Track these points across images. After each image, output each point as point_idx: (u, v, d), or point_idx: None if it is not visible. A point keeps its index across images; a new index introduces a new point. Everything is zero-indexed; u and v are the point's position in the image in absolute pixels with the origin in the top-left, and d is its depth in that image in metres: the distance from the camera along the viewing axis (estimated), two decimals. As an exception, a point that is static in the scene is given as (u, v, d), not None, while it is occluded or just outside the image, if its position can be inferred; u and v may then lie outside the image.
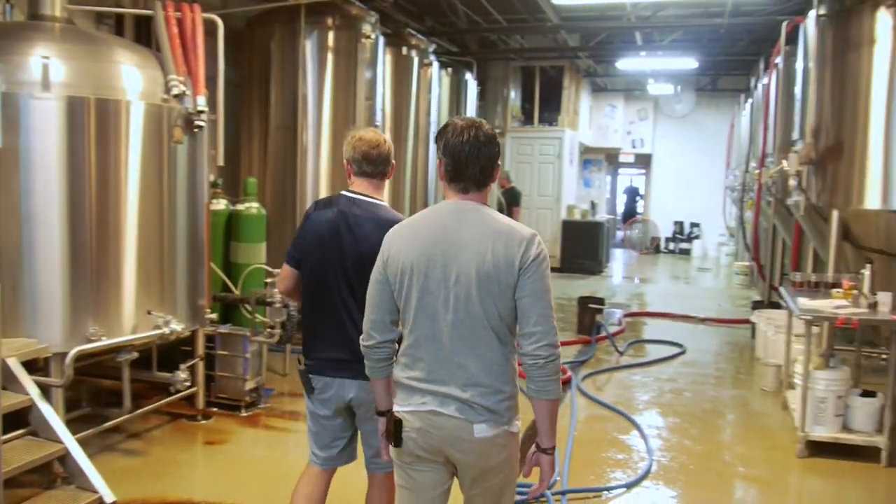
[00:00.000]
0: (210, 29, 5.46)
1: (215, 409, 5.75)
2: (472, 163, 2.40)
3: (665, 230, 19.11)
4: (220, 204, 6.40)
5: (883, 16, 6.07)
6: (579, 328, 8.80)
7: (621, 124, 18.59)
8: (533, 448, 2.47)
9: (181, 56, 5.15)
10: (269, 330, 5.77)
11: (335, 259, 3.05)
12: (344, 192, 3.14)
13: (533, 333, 2.32)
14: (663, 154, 18.88)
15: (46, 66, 4.44)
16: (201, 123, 5.20)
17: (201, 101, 5.18)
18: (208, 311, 5.53)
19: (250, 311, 5.94)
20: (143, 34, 6.33)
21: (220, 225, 6.36)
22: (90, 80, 4.65)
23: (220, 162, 5.73)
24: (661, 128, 18.86)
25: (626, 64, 14.53)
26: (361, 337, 2.57)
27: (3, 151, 4.37)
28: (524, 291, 2.33)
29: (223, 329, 5.81)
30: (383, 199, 3.16)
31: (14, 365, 4.16)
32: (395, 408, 2.48)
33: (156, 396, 5.45)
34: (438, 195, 10.70)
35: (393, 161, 3.16)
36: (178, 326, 5.01)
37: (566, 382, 6.64)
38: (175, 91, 5.00)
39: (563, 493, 4.44)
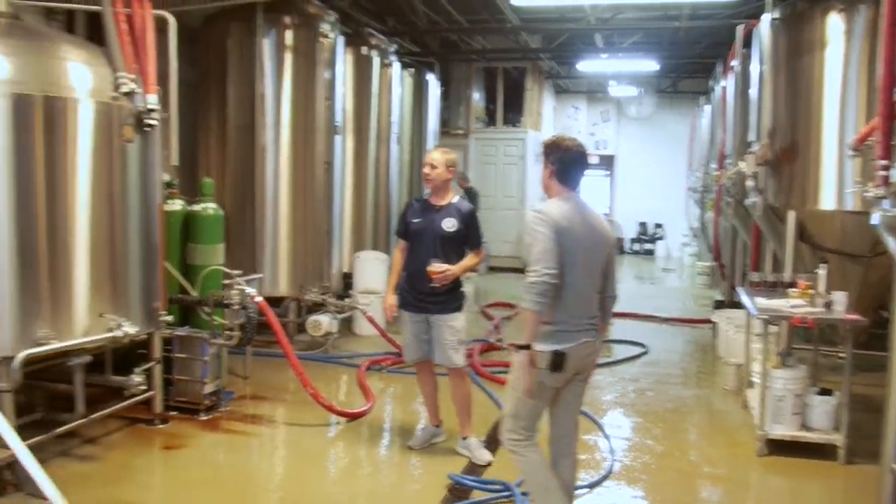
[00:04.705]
0: (162, 26, 5.34)
1: (174, 414, 5.63)
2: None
3: (629, 231, 19.27)
4: (176, 204, 6.26)
5: (834, 19, 6.17)
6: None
7: (584, 126, 18.71)
8: None
9: (131, 53, 5.03)
10: (227, 332, 5.69)
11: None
12: None
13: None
14: (626, 155, 19.04)
15: (-11, 63, 4.31)
16: (152, 122, 5.08)
17: (152, 99, 5.06)
18: (163, 313, 5.42)
19: (208, 314, 5.83)
20: (96, 32, 6.17)
21: (177, 226, 6.22)
22: (37, 78, 4.52)
23: (174, 162, 5.61)
24: (624, 129, 19.03)
25: (588, 66, 14.62)
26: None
27: (-56, 150, 4.24)
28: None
29: (181, 332, 5.70)
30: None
31: (-41, 370, 4.03)
32: (557, 346, 3.44)
33: (113, 401, 5.30)
34: (403, 194, 10.64)
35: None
36: (131, 329, 4.91)
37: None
38: (124, 88, 4.89)
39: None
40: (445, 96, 13.85)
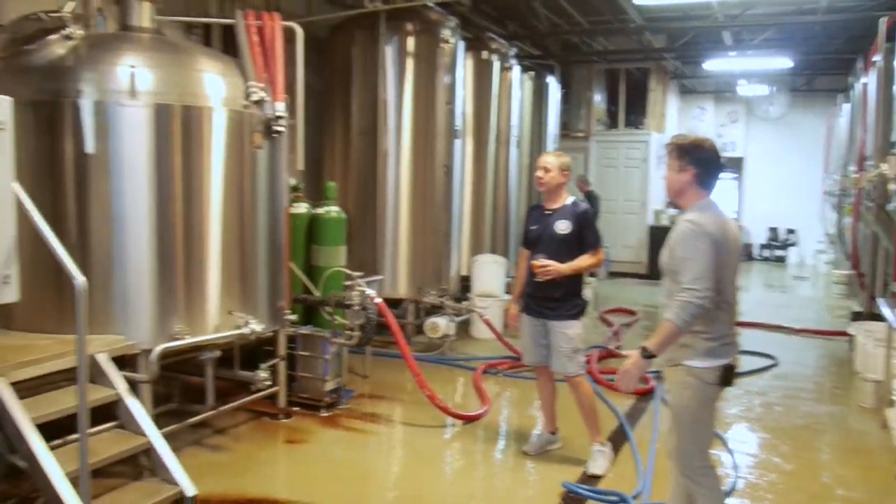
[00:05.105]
0: (290, 36, 5.56)
1: (296, 409, 5.84)
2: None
3: (758, 236, 18.43)
4: (301, 207, 6.50)
5: None
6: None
7: (711, 127, 18.03)
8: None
9: (261, 63, 5.27)
10: (348, 332, 5.84)
11: None
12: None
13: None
14: (756, 157, 18.23)
15: (133, 75, 4.62)
16: (280, 128, 5.29)
17: (280, 107, 5.27)
18: (288, 312, 5.63)
19: (330, 313, 6.01)
20: (231, 43, 6.51)
21: (302, 228, 6.45)
22: (176, 88, 4.80)
23: (300, 166, 5.83)
24: (754, 130, 18.22)
25: (715, 65, 14.10)
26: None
27: (94, 156, 4.57)
28: None
29: (304, 330, 5.89)
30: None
31: (104, 360, 4.34)
32: (725, 360, 3.34)
33: (240, 394, 5.56)
34: (522, 197, 10.60)
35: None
36: (258, 327, 5.12)
37: (649, 392, 6.46)
38: (254, 97, 5.12)
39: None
40: (566, 99, 13.71)
